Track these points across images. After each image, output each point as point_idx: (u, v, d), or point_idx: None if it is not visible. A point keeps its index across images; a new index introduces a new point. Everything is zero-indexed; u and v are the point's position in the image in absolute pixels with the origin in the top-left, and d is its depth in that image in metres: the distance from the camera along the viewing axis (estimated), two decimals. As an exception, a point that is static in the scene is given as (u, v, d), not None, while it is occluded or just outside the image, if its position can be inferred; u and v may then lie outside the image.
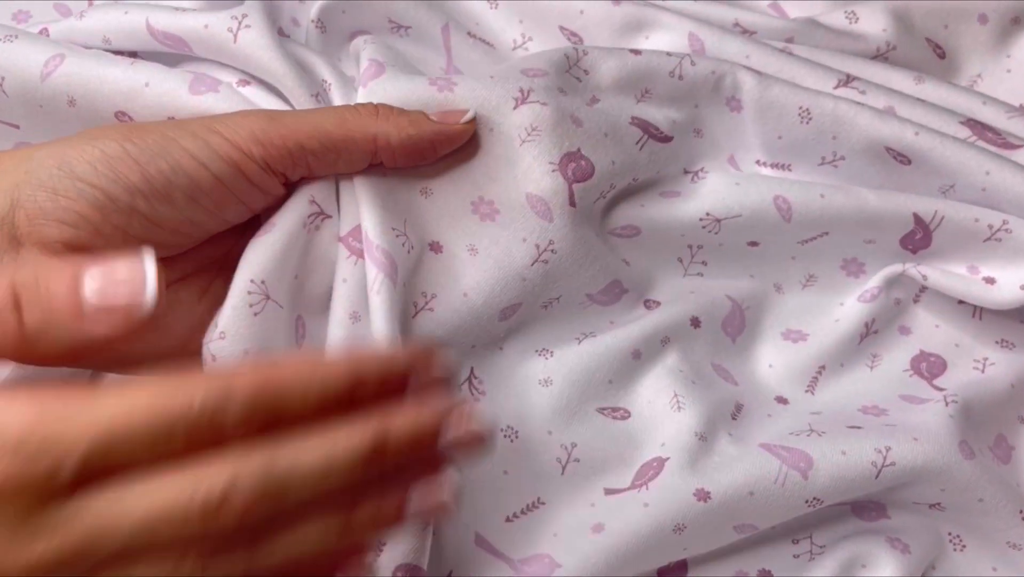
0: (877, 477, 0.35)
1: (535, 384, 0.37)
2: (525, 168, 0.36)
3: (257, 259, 0.32)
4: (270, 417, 0.23)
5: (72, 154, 0.30)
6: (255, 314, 0.31)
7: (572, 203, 0.36)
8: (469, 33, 0.46)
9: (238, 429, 0.23)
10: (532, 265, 0.36)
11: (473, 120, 0.35)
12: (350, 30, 0.43)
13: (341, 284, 0.34)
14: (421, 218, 0.36)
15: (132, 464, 0.23)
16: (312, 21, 0.42)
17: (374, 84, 0.36)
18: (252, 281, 0.32)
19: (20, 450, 0.21)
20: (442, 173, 0.36)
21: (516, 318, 0.37)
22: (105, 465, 0.22)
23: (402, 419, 0.25)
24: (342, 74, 0.38)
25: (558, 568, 0.33)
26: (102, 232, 0.30)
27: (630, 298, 0.40)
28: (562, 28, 0.44)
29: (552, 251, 0.36)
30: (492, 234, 0.36)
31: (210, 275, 0.34)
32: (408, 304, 0.35)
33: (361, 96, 0.36)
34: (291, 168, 0.32)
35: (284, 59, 0.36)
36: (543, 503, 0.35)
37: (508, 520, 0.35)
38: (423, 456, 0.26)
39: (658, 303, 0.41)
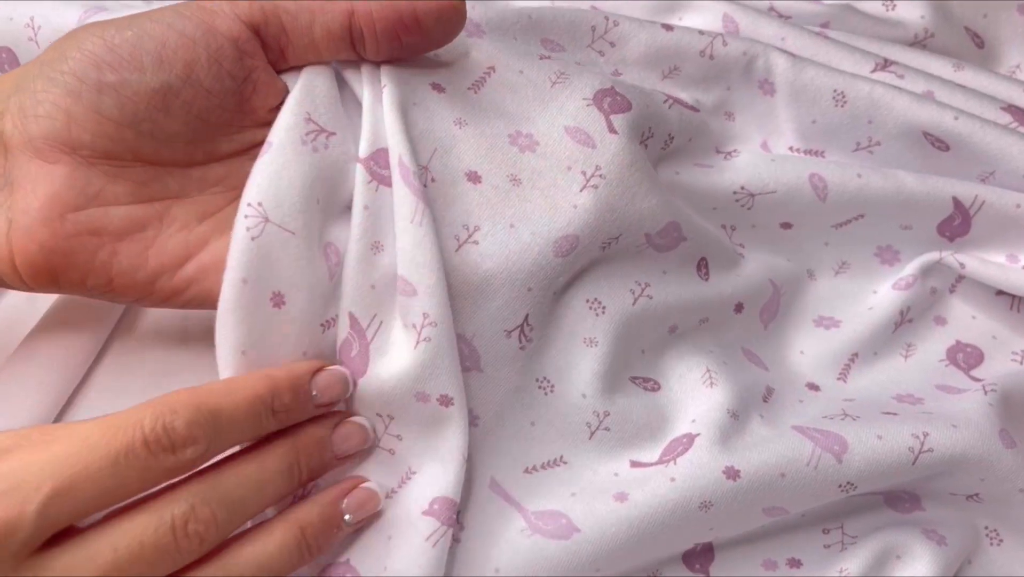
0: (914, 463, 0.34)
1: (580, 341, 0.35)
2: (559, 106, 0.35)
3: (255, 180, 0.30)
4: (211, 434, 0.27)
5: (52, 54, 0.30)
6: (252, 238, 0.29)
7: (612, 131, 0.34)
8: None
9: (185, 451, 0.26)
10: (581, 191, 0.34)
11: (463, 2, 0.33)
12: None
13: (362, 211, 0.32)
14: (456, 148, 0.33)
15: (91, 505, 0.25)
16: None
17: None
18: (249, 204, 0.30)
19: None
20: (475, 107, 0.34)
21: (574, 256, 0.34)
22: (66, 510, 0.24)
23: (306, 436, 0.30)
24: None
25: (576, 532, 0.32)
26: (75, 117, 0.29)
27: (687, 249, 0.37)
28: (594, 8, 0.44)
29: (600, 175, 0.34)
30: (533, 164, 0.34)
31: (221, 201, 0.33)
32: (449, 238, 0.32)
33: None
34: (264, 25, 0.31)
35: None
36: (565, 462, 0.34)
37: (527, 471, 0.34)
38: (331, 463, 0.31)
39: (708, 274, 0.38)
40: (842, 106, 0.40)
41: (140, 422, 0.25)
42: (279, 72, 0.33)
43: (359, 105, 0.33)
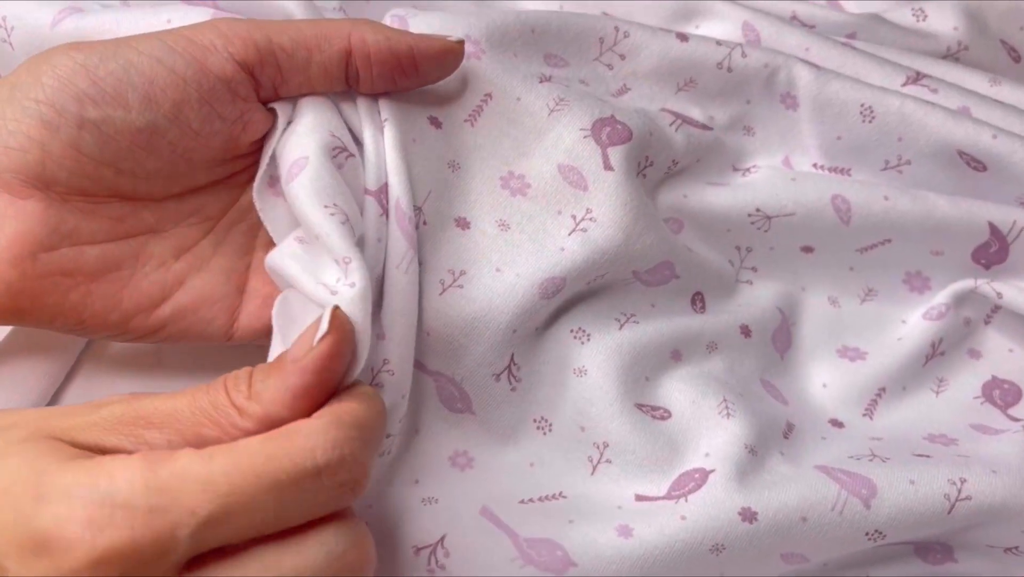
0: (950, 512, 0.31)
1: (569, 373, 0.34)
2: (555, 137, 0.34)
3: (313, 186, 0.28)
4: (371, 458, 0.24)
5: (23, 77, 0.27)
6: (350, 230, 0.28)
7: (608, 167, 0.34)
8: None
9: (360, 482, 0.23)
10: (570, 235, 0.33)
11: (462, 43, 0.32)
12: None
13: (375, 244, 0.30)
14: (448, 193, 0.33)
15: (247, 532, 0.22)
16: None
17: None
18: (326, 206, 0.28)
19: (133, 515, 0.21)
20: (470, 147, 0.34)
21: (560, 297, 0.33)
22: (220, 536, 0.22)
23: None
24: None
25: (572, 567, 0.29)
26: (51, 152, 0.27)
27: (678, 286, 0.36)
28: (606, 14, 0.41)
29: (591, 219, 0.33)
30: (524, 208, 0.34)
31: (196, 233, 0.31)
32: (434, 283, 0.32)
33: None
34: (259, 66, 0.29)
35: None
36: (564, 496, 0.32)
37: (522, 502, 0.32)
38: None
39: (704, 307, 0.37)
40: (870, 122, 0.37)
41: (313, 449, 0.22)
42: (267, 104, 0.31)
43: (355, 136, 0.32)
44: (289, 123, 0.31)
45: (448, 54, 0.31)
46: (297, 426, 0.23)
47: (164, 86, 0.28)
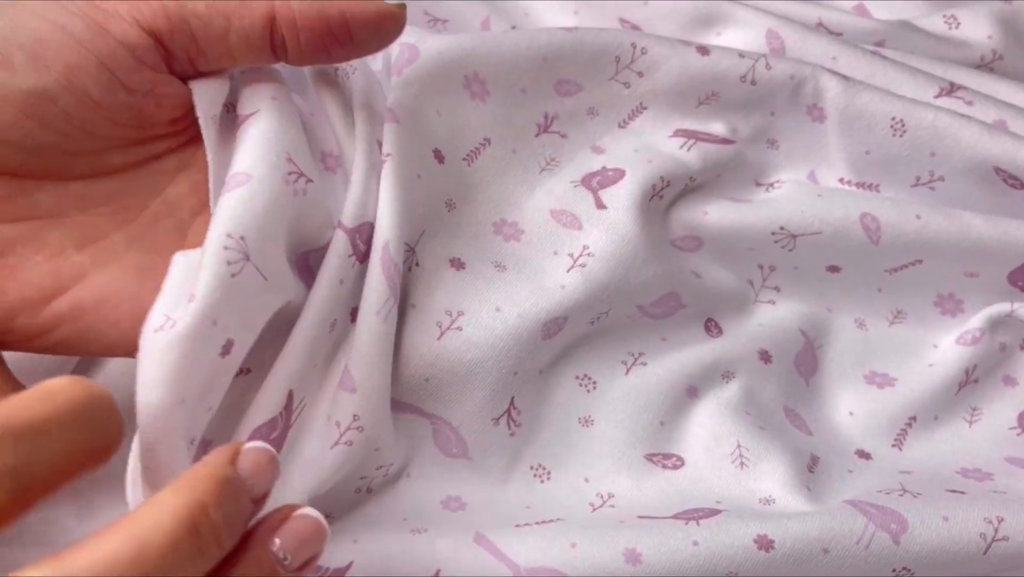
0: (985, 553, 0.29)
1: (574, 422, 0.33)
2: (546, 191, 0.35)
3: (235, 211, 0.25)
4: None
5: None
6: (232, 275, 0.24)
7: (600, 206, 0.34)
8: (513, 28, 0.41)
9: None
10: (569, 272, 0.33)
11: (403, 7, 0.28)
12: None
13: (336, 285, 0.28)
14: (442, 233, 0.33)
15: None
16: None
17: (409, 71, 0.32)
18: (230, 236, 0.25)
19: None
20: (466, 186, 0.34)
21: (563, 336, 0.32)
22: None
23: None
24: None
25: None
26: None
27: (688, 315, 0.35)
28: (623, 21, 0.40)
29: (589, 254, 0.33)
30: (519, 253, 0.33)
31: (107, 225, 0.27)
32: (431, 325, 0.31)
33: (395, 84, 0.32)
34: (168, 33, 0.26)
35: None
36: (561, 519, 0.31)
37: (518, 526, 0.30)
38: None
39: (721, 330, 0.35)
40: (901, 136, 0.35)
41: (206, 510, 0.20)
42: (185, 80, 0.27)
43: (335, 156, 0.30)
44: (229, 109, 0.28)
45: (387, 19, 0.28)
46: None
47: (57, 48, 0.25)
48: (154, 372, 0.23)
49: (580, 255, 0.33)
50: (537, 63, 0.34)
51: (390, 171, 0.30)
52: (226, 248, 0.24)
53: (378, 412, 0.29)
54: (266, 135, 0.27)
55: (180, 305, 0.24)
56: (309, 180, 0.28)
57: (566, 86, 0.35)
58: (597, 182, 0.35)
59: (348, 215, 0.29)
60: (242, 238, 0.25)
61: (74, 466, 0.19)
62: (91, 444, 0.19)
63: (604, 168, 0.35)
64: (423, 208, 0.32)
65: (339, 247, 0.28)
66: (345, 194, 0.29)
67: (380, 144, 0.31)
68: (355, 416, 0.28)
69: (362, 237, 0.29)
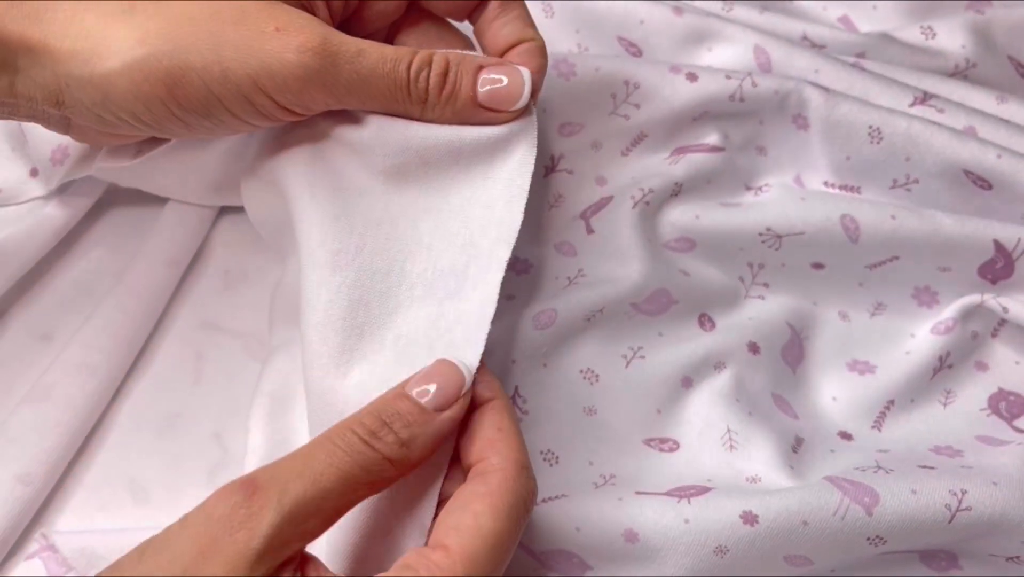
0: (951, 522, 0.32)
1: (580, 412, 0.36)
2: (554, 227, 0.39)
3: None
4: None
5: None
6: None
7: (589, 231, 0.39)
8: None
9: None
10: (564, 289, 0.38)
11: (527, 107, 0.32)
12: None
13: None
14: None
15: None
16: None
17: None
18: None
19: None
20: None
21: (554, 330, 0.36)
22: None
23: None
24: None
25: (589, 569, 0.32)
26: None
27: (681, 310, 0.38)
28: (620, 39, 0.43)
29: (583, 276, 0.38)
30: (525, 284, 0.38)
31: None
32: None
33: None
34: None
35: None
36: (565, 496, 0.33)
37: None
38: None
39: (714, 324, 0.39)
40: (878, 143, 0.38)
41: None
42: None
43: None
44: None
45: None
46: None
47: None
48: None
49: (576, 276, 0.38)
50: (538, 114, 0.37)
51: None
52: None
53: None
54: None
55: None
56: None
57: (569, 128, 0.38)
58: (590, 211, 0.39)
59: None
60: None
61: None
62: None
63: (601, 199, 0.39)
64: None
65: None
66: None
67: None
68: None
69: None
